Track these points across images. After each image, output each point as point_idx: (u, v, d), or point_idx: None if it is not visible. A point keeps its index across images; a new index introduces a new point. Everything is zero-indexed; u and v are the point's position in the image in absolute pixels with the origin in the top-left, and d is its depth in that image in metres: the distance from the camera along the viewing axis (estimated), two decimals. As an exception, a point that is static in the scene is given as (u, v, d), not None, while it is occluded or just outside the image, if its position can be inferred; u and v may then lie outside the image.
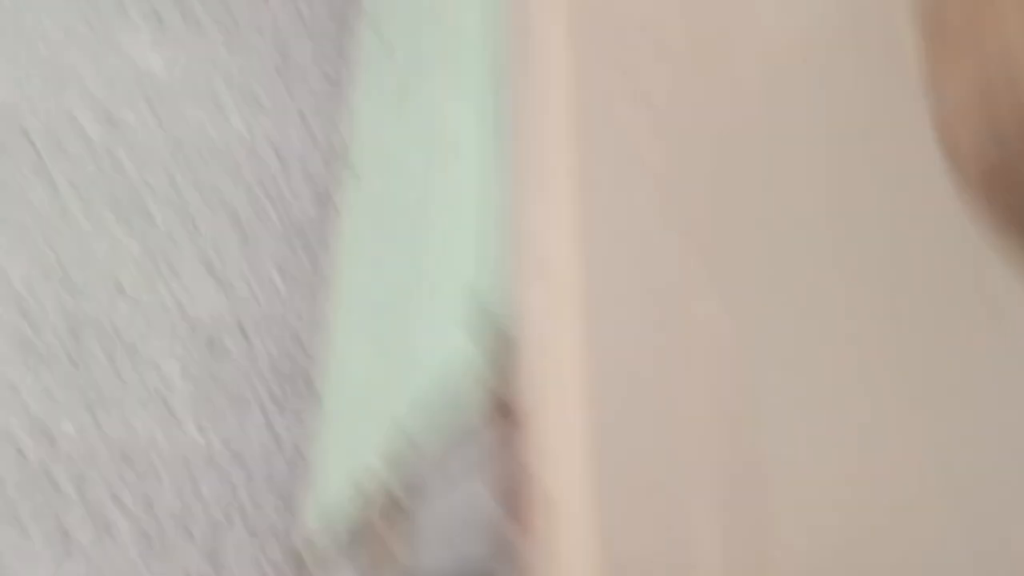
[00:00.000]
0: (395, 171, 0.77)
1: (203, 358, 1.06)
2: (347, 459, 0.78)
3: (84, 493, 1.00)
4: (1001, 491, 0.30)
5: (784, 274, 0.37)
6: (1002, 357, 0.31)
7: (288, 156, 1.15)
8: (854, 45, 0.38)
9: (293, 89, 1.18)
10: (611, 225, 0.39)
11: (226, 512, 1.02)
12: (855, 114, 0.38)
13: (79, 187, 1.11)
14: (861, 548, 0.33)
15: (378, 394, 0.70)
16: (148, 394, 1.04)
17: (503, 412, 0.40)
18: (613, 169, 0.40)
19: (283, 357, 1.08)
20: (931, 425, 0.32)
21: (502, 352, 0.41)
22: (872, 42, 0.38)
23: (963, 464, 0.32)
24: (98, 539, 0.99)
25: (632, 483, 0.35)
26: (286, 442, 1.05)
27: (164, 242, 1.10)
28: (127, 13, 1.17)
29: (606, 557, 0.32)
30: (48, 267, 1.07)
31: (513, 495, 0.37)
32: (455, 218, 0.55)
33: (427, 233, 0.62)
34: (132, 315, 1.06)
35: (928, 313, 0.34)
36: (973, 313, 0.32)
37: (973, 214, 0.31)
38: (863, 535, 0.33)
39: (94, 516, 1.00)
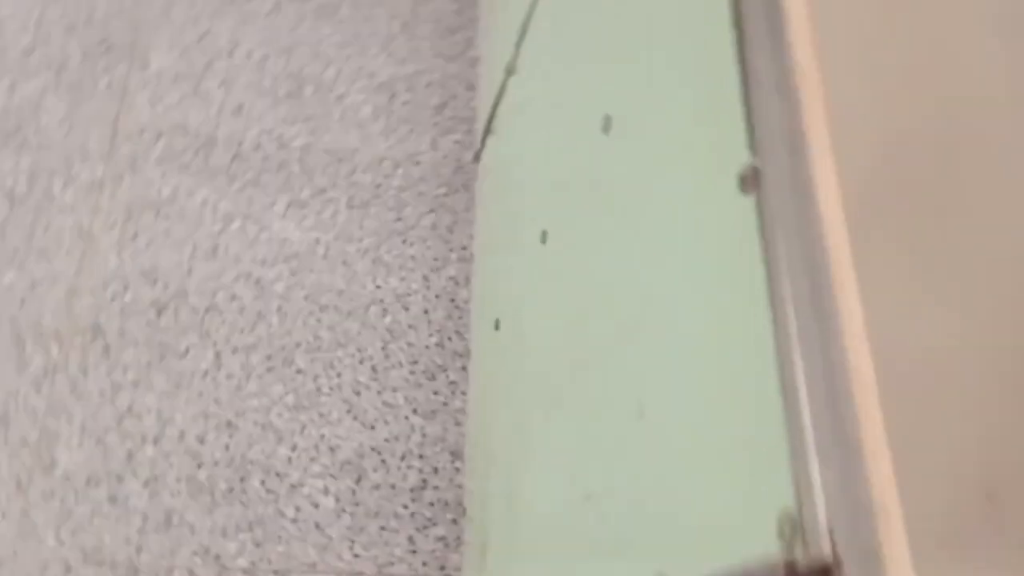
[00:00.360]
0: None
1: (352, 489, 1.24)
2: None
3: (255, 614, 1.16)
4: None
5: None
6: None
7: (412, 307, 1.37)
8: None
9: (412, 247, 1.41)
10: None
11: (381, 625, 1.17)
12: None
13: (235, 345, 1.32)
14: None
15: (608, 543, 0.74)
16: (307, 524, 1.21)
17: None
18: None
19: (421, 483, 1.25)
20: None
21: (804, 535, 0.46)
22: None
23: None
24: (269, 657, 1.14)
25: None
26: (430, 560, 1.21)
27: (311, 389, 1.30)
28: (269, 194, 1.43)
29: None
30: (213, 418, 1.27)
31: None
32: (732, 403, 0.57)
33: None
34: (289, 455, 1.25)
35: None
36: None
37: None
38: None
39: (265, 635, 1.15)
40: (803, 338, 0.49)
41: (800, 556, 0.46)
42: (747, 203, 0.56)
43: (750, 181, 0.57)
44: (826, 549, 0.44)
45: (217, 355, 1.32)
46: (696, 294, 0.65)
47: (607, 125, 0.86)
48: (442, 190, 1.48)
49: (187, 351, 1.32)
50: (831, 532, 0.44)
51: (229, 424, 1.27)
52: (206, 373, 1.30)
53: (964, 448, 0.42)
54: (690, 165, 0.68)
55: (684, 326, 0.66)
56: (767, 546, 0.49)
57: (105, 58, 1.55)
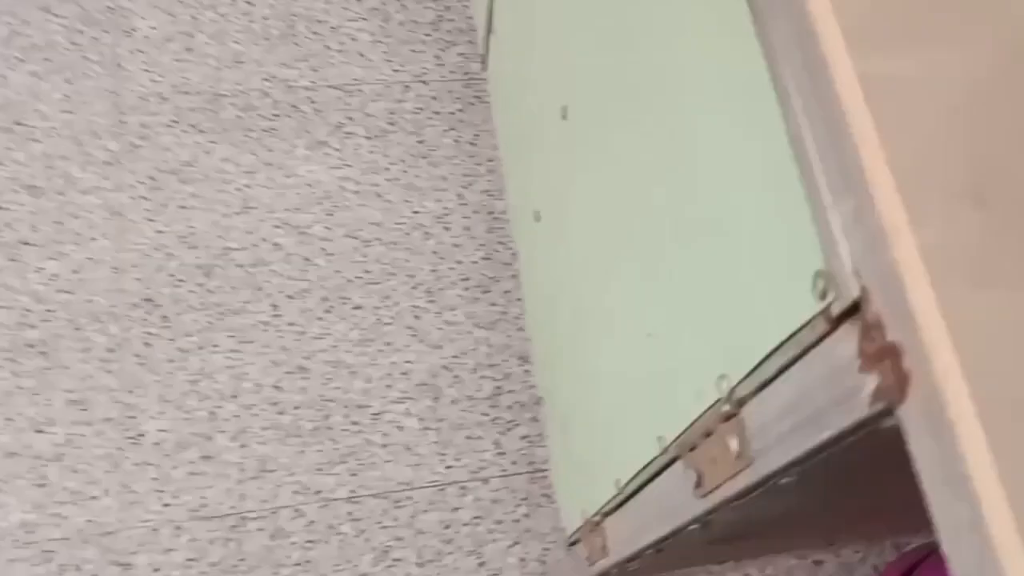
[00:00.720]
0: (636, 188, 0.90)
1: (431, 407, 1.33)
2: (648, 411, 0.91)
3: (366, 536, 1.26)
4: None
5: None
6: None
7: (453, 225, 1.43)
8: None
9: (440, 167, 1.47)
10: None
11: (485, 526, 1.27)
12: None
13: (290, 293, 1.39)
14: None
15: (671, 356, 0.83)
16: (395, 447, 1.31)
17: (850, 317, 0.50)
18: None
19: (496, 390, 1.35)
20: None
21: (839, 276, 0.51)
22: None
23: None
24: (386, 570, 1.25)
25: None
26: (518, 458, 1.31)
27: (372, 321, 1.38)
28: (287, 139, 1.48)
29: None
30: (285, 366, 1.35)
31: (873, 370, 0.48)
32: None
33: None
34: (364, 387, 1.34)
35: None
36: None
37: None
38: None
39: (377, 552, 1.25)
40: (802, 98, 0.55)
41: (833, 301, 0.52)
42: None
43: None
44: (853, 286, 0.50)
45: (274, 305, 1.39)
46: (706, 96, 0.71)
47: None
48: (457, 105, 1.53)
49: (244, 307, 1.39)
50: (856, 270, 0.50)
51: (301, 368, 1.35)
52: (267, 324, 1.38)
53: (956, 166, 0.48)
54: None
55: (704, 138, 0.72)
56: (810, 310, 0.55)
57: (89, 32, 1.57)
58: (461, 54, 1.57)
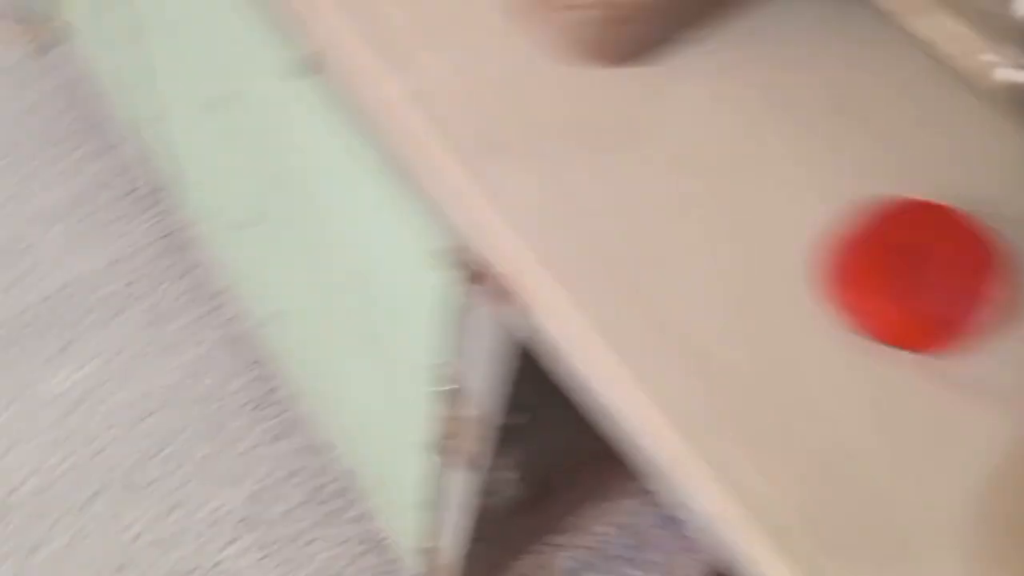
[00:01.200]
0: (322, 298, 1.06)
1: (260, 536, 1.34)
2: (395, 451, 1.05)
3: None
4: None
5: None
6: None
7: (211, 368, 1.48)
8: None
9: (180, 320, 1.51)
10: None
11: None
12: None
13: (84, 500, 1.38)
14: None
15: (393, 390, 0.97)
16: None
17: (481, 278, 0.58)
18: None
19: (312, 491, 1.37)
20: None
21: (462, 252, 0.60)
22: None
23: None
24: None
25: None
26: (357, 540, 1.33)
27: (169, 488, 1.38)
28: (28, 361, 1.49)
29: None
30: (107, 570, 1.33)
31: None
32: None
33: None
34: (191, 550, 1.33)
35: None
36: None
37: None
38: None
39: None
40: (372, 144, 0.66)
41: (452, 265, 0.63)
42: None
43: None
44: (459, 250, 0.60)
45: (75, 518, 1.37)
46: (336, 183, 0.84)
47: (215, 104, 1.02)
48: (169, 260, 1.57)
49: (46, 536, 1.36)
50: (453, 235, 0.59)
51: (124, 565, 1.33)
52: (76, 539, 1.36)
53: (481, 129, 0.57)
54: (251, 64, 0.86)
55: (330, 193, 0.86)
56: (440, 280, 0.68)
57: None
58: (158, 214, 1.62)
